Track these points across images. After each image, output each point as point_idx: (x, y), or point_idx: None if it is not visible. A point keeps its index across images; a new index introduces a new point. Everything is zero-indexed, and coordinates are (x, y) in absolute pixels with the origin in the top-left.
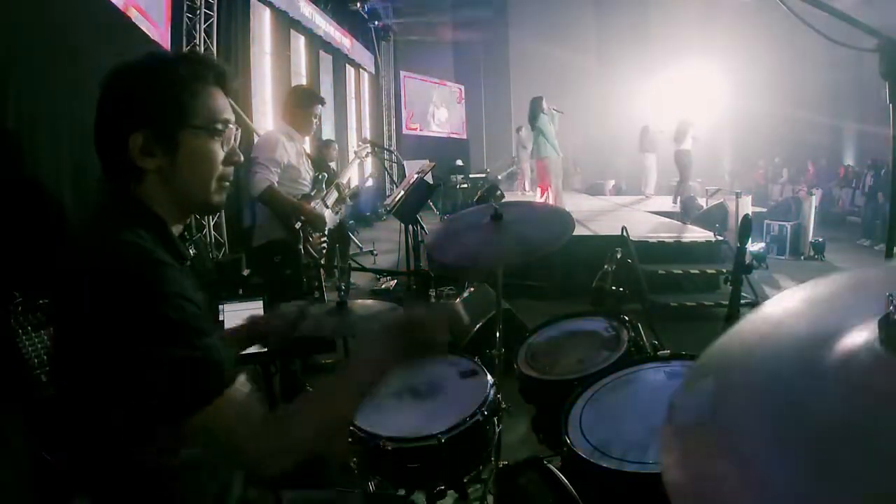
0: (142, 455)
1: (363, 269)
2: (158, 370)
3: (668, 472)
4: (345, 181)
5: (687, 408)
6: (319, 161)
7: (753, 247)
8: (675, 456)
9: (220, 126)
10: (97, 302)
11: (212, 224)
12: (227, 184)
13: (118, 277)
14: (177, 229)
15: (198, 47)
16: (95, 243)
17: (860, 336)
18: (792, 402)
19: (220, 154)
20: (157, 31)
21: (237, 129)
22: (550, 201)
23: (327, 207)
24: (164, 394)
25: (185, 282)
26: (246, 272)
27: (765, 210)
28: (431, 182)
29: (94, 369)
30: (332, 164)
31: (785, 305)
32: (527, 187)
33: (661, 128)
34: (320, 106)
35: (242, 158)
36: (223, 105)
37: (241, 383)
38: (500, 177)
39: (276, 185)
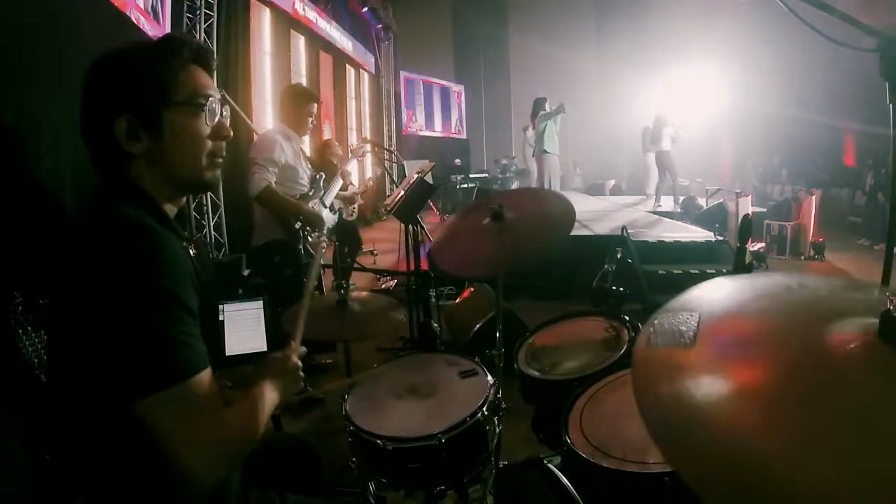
0: (136, 453)
1: (363, 268)
2: (133, 337)
3: (639, 389)
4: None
5: (668, 331)
6: (327, 162)
7: (753, 247)
8: (649, 373)
9: (201, 101)
10: (95, 271)
11: (212, 224)
12: (220, 159)
13: (116, 246)
14: (171, 210)
15: None
16: (93, 219)
17: (857, 325)
18: (787, 368)
19: (206, 129)
20: (158, 31)
21: (223, 105)
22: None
23: (325, 207)
24: (128, 365)
25: (183, 255)
26: (246, 272)
27: (765, 210)
28: (431, 182)
29: (84, 341)
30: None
31: (777, 281)
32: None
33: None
34: (316, 104)
35: (232, 133)
36: (203, 80)
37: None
38: (508, 174)
39: (273, 185)
